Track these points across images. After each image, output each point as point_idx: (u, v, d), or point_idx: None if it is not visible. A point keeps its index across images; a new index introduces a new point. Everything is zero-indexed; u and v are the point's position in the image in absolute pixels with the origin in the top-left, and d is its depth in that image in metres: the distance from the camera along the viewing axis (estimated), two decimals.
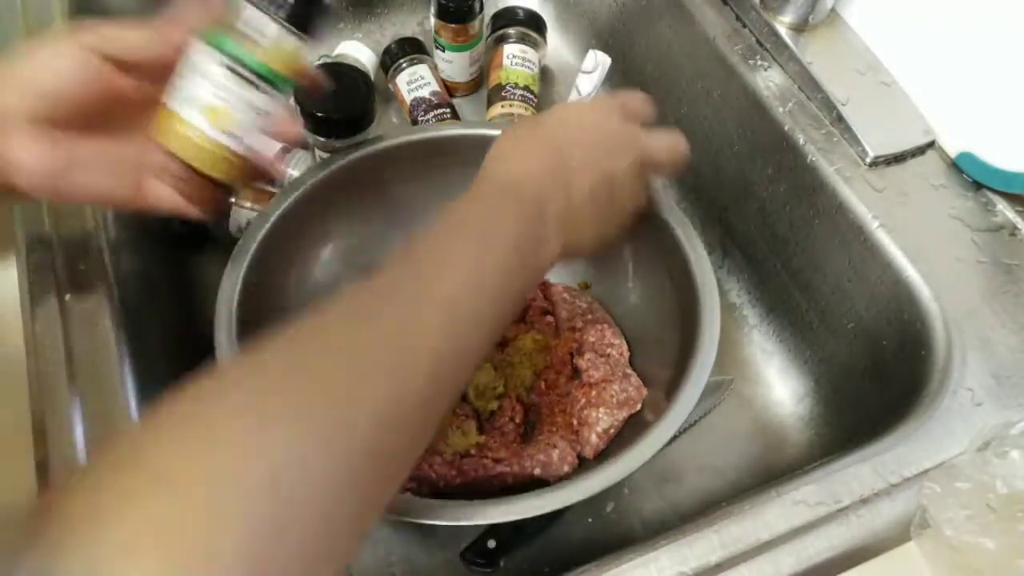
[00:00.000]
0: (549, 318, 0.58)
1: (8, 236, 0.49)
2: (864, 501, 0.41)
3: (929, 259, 0.50)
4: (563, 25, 0.82)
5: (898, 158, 0.55)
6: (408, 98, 0.72)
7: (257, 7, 0.41)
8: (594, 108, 0.46)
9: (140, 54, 0.41)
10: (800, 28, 0.60)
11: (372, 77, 0.73)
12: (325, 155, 0.59)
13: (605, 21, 0.77)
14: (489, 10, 0.75)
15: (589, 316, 0.58)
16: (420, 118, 0.71)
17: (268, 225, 0.52)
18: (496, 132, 0.59)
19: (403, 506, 0.42)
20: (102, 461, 0.24)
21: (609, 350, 0.56)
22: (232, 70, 0.41)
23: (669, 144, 0.47)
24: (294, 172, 0.66)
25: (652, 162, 0.45)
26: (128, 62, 0.41)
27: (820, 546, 0.40)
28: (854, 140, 0.55)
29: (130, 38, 0.41)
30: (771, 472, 0.58)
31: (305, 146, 0.66)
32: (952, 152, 0.55)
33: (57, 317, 0.46)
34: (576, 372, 0.56)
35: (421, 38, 0.77)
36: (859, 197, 0.53)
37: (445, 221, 0.39)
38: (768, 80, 0.59)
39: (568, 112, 0.47)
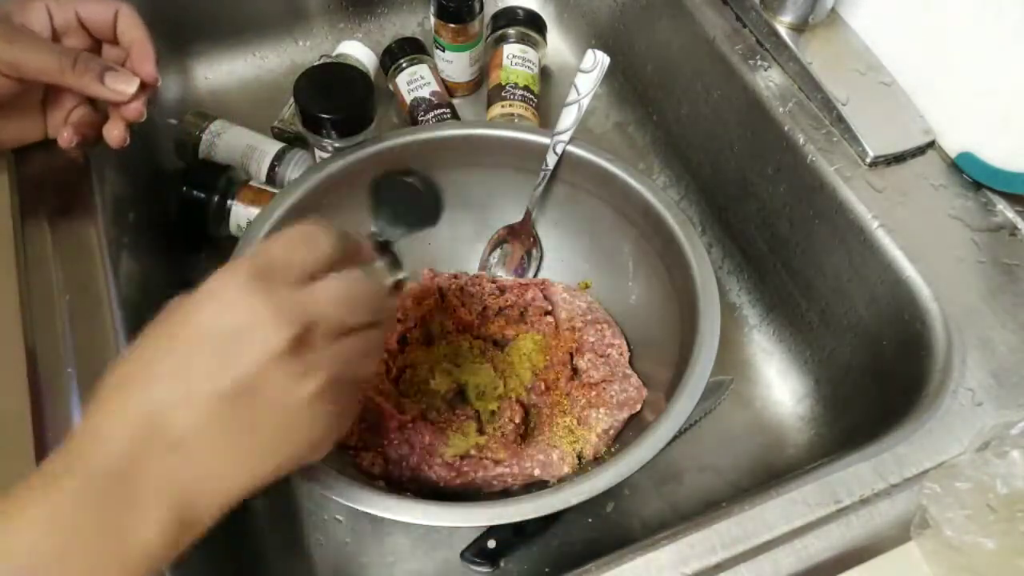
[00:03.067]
0: (549, 318, 0.58)
1: (8, 236, 0.49)
2: (864, 501, 0.41)
3: (929, 259, 0.50)
4: (563, 25, 0.82)
5: (898, 158, 0.55)
6: (408, 98, 0.72)
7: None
8: (207, 296, 0.32)
9: (45, 78, 0.47)
10: (800, 28, 0.60)
11: (372, 77, 0.73)
12: (325, 155, 0.59)
13: (605, 21, 0.77)
14: (489, 10, 0.75)
15: (589, 316, 0.58)
16: (420, 118, 0.71)
17: (268, 225, 0.53)
18: (497, 132, 0.60)
19: (403, 507, 0.42)
20: None
21: (609, 350, 0.56)
22: None
23: (333, 292, 0.34)
24: (294, 172, 0.66)
25: (321, 325, 0.33)
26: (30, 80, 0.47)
27: (820, 546, 0.40)
28: (854, 140, 0.55)
29: (37, 62, 0.46)
30: (771, 472, 0.58)
31: (305, 146, 0.66)
32: (952, 152, 0.55)
33: (57, 317, 0.46)
34: (576, 372, 0.56)
35: (421, 38, 0.77)
36: (859, 197, 0.53)
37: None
38: (768, 80, 0.59)
39: (175, 322, 0.33)
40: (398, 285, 0.41)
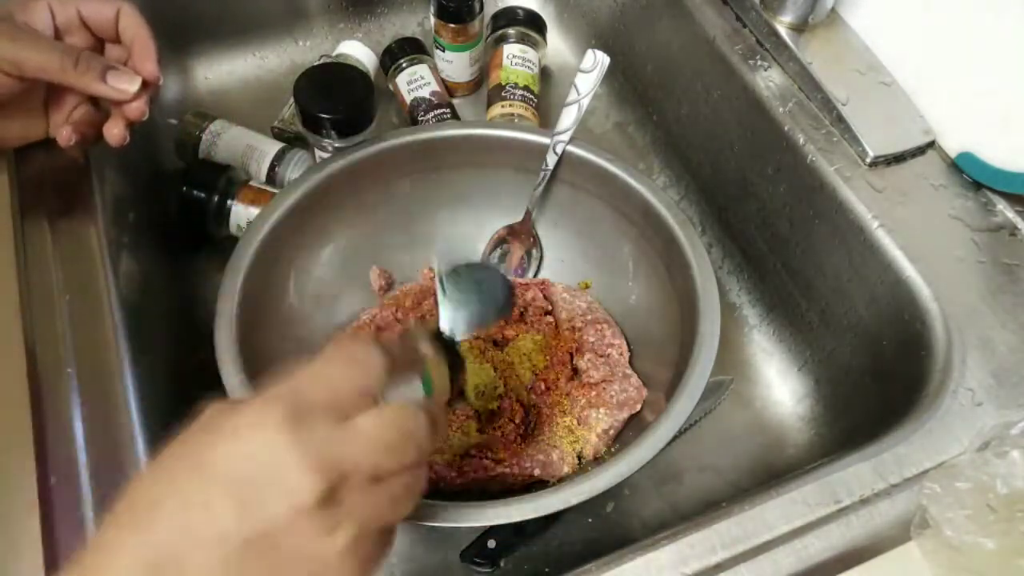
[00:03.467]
0: (549, 318, 0.58)
1: (8, 236, 0.49)
2: (864, 501, 0.41)
3: (929, 259, 0.50)
4: (563, 25, 0.82)
5: (898, 158, 0.55)
6: (408, 98, 0.72)
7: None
8: (234, 432, 0.30)
9: (47, 76, 0.47)
10: (800, 28, 0.60)
11: (372, 77, 0.73)
12: (325, 155, 0.59)
13: (605, 21, 0.77)
14: (489, 10, 0.75)
15: (589, 316, 0.58)
16: (420, 118, 0.71)
17: (268, 225, 0.53)
18: (497, 132, 0.60)
19: None
20: None
21: (609, 350, 0.56)
22: None
23: (373, 432, 0.31)
24: (294, 172, 0.66)
25: (355, 473, 0.30)
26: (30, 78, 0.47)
27: (820, 546, 0.40)
28: (854, 140, 0.55)
29: (39, 60, 0.46)
30: (771, 472, 0.58)
31: (305, 146, 0.66)
32: (952, 152, 0.55)
33: (57, 317, 0.46)
34: (576, 372, 0.56)
35: (421, 38, 0.77)
36: (859, 197, 0.53)
37: None
38: (768, 80, 0.59)
39: (199, 454, 0.30)
40: (455, 384, 0.38)
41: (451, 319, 0.39)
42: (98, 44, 0.51)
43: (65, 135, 0.49)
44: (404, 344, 0.35)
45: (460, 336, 0.39)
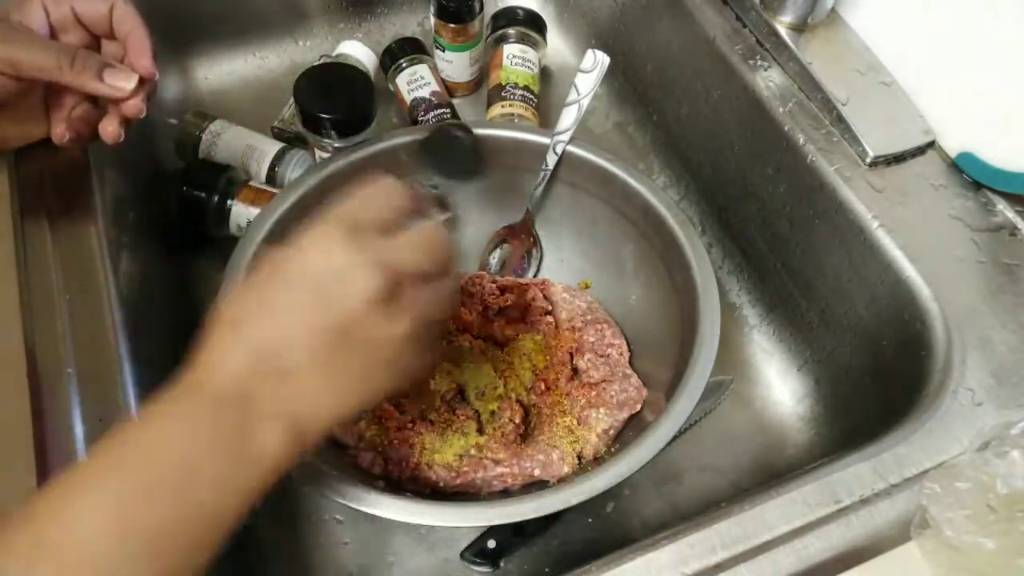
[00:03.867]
0: (549, 318, 0.58)
1: (8, 236, 0.49)
2: (864, 501, 0.41)
3: (929, 259, 0.50)
4: (563, 25, 0.82)
5: (898, 158, 0.55)
6: (408, 98, 0.72)
7: None
8: (310, 247, 0.36)
9: (44, 76, 0.47)
10: (800, 28, 0.60)
11: (372, 77, 0.73)
12: (325, 155, 0.59)
13: (605, 21, 0.77)
14: (489, 10, 0.75)
15: (589, 316, 0.58)
16: (420, 118, 0.71)
17: (268, 225, 0.53)
18: (497, 132, 0.60)
19: (404, 507, 0.42)
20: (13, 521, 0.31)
21: (609, 350, 0.56)
22: None
23: (415, 243, 0.38)
24: (294, 172, 0.66)
25: (406, 274, 0.37)
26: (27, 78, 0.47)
27: (820, 546, 0.40)
28: (854, 140, 0.55)
29: (35, 60, 0.46)
30: (771, 472, 0.58)
31: (305, 146, 0.66)
32: (952, 152, 0.55)
33: (57, 317, 0.46)
34: (576, 372, 0.56)
35: (421, 38, 0.77)
36: (859, 197, 0.53)
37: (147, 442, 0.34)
38: (768, 80, 0.59)
39: (280, 269, 0.37)
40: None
41: (434, 174, 0.47)
42: (94, 41, 0.51)
43: (59, 132, 0.49)
44: (415, 191, 0.41)
45: (447, 189, 0.46)
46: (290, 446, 0.35)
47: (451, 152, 0.47)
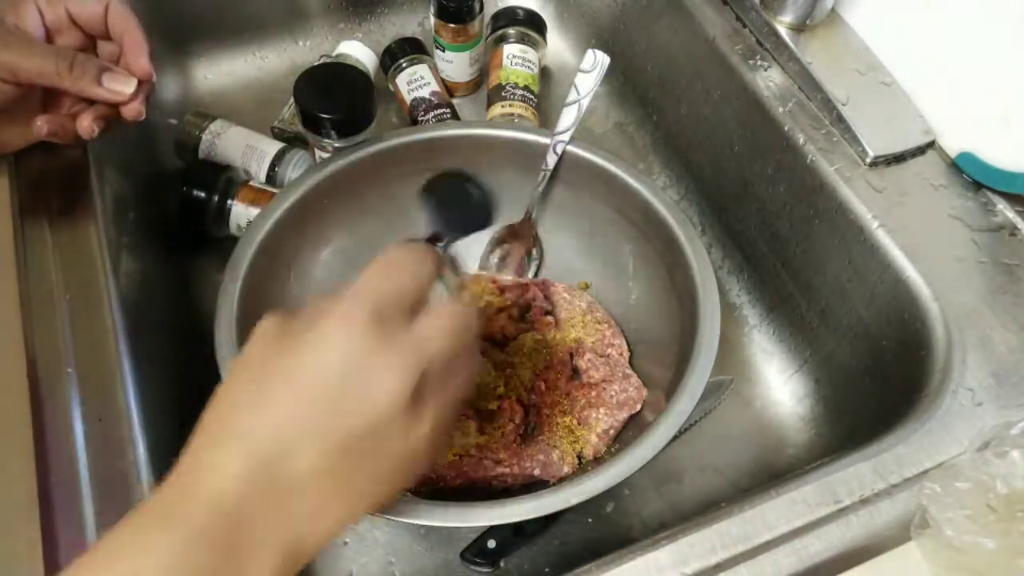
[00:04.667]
0: (549, 318, 0.58)
1: (8, 236, 0.49)
2: (864, 501, 0.41)
3: (929, 259, 0.50)
4: (563, 25, 0.82)
5: (898, 158, 0.55)
6: (408, 98, 0.72)
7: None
8: (330, 335, 0.31)
9: (43, 81, 0.46)
10: (800, 28, 0.60)
11: (372, 77, 0.73)
12: (325, 155, 0.59)
13: (605, 21, 0.77)
14: (489, 10, 0.75)
15: (589, 316, 0.58)
16: (420, 118, 0.71)
17: (268, 225, 0.53)
18: (497, 132, 0.60)
19: (404, 507, 0.42)
20: None
21: (609, 350, 0.56)
22: None
23: (443, 325, 0.33)
24: (294, 172, 0.66)
25: (435, 364, 0.33)
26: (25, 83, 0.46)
27: (820, 546, 0.40)
28: (854, 140, 0.55)
29: (34, 65, 0.46)
30: (771, 472, 0.58)
31: (305, 146, 0.66)
32: (952, 152, 0.55)
33: (57, 317, 0.46)
34: (576, 372, 0.56)
35: (421, 38, 0.77)
36: (859, 197, 0.53)
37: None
38: (768, 80, 0.59)
39: (293, 355, 0.31)
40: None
41: (441, 227, 0.41)
42: (90, 42, 0.51)
43: (38, 124, 0.48)
44: (433, 255, 0.37)
45: (452, 241, 0.42)
46: (286, 573, 0.30)
47: (463, 205, 0.42)
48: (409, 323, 0.33)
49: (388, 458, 0.32)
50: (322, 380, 0.31)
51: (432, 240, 0.41)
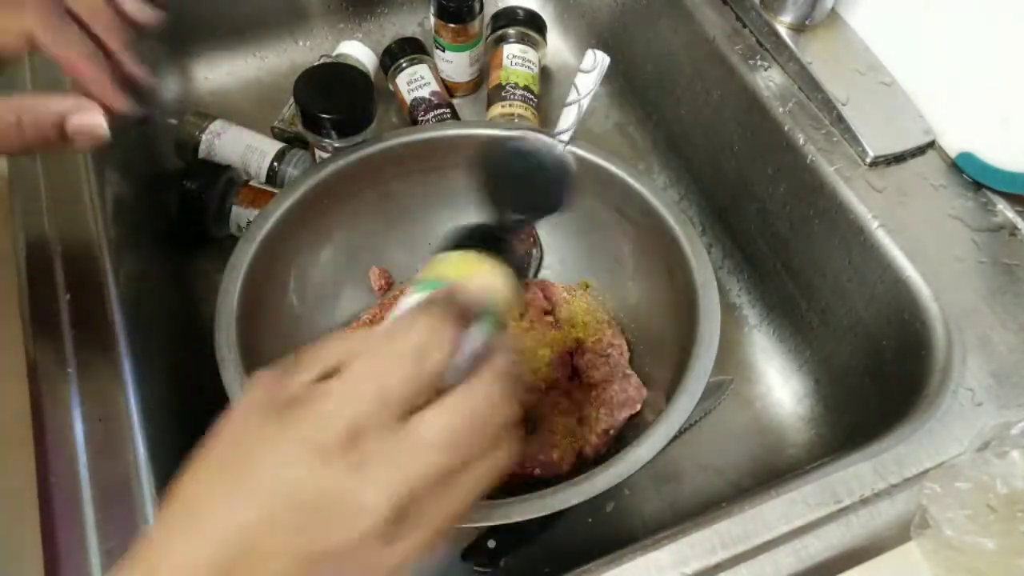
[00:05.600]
0: (549, 318, 0.58)
1: (8, 235, 0.49)
2: (864, 501, 0.41)
3: (929, 259, 0.50)
4: (563, 25, 0.82)
5: (898, 158, 0.55)
6: (408, 98, 0.72)
7: None
8: (290, 457, 0.28)
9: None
10: (800, 28, 0.60)
11: (372, 77, 0.73)
12: (325, 155, 0.59)
13: (605, 21, 0.77)
14: (489, 10, 0.75)
15: (589, 316, 0.58)
16: (420, 118, 0.71)
17: (268, 225, 0.53)
18: (496, 132, 0.60)
19: None
20: None
21: (609, 350, 0.56)
22: None
23: (445, 438, 0.28)
24: (294, 172, 0.66)
25: (434, 481, 0.28)
26: None
27: (820, 546, 0.40)
28: (854, 140, 0.55)
29: None
30: (771, 472, 0.58)
31: (305, 146, 0.66)
32: (952, 152, 0.55)
33: (57, 317, 0.46)
34: (576, 372, 0.56)
35: (421, 38, 0.77)
36: (859, 197, 0.53)
37: None
38: (768, 80, 0.59)
39: (254, 466, 0.28)
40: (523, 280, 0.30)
41: (501, 205, 0.30)
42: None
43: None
44: (456, 306, 0.30)
45: (509, 225, 0.30)
46: None
47: (533, 180, 0.31)
48: (403, 425, 0.28)
49: (361, 571, 0.28)
50: (284, 496, 0.27)
51: (484, 230, 0.31)
